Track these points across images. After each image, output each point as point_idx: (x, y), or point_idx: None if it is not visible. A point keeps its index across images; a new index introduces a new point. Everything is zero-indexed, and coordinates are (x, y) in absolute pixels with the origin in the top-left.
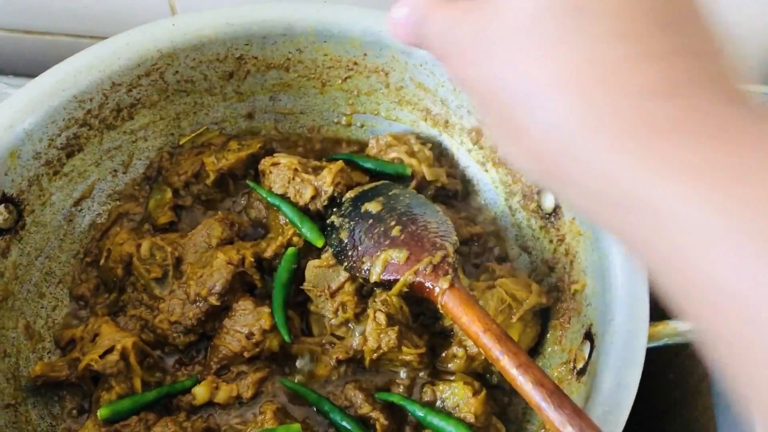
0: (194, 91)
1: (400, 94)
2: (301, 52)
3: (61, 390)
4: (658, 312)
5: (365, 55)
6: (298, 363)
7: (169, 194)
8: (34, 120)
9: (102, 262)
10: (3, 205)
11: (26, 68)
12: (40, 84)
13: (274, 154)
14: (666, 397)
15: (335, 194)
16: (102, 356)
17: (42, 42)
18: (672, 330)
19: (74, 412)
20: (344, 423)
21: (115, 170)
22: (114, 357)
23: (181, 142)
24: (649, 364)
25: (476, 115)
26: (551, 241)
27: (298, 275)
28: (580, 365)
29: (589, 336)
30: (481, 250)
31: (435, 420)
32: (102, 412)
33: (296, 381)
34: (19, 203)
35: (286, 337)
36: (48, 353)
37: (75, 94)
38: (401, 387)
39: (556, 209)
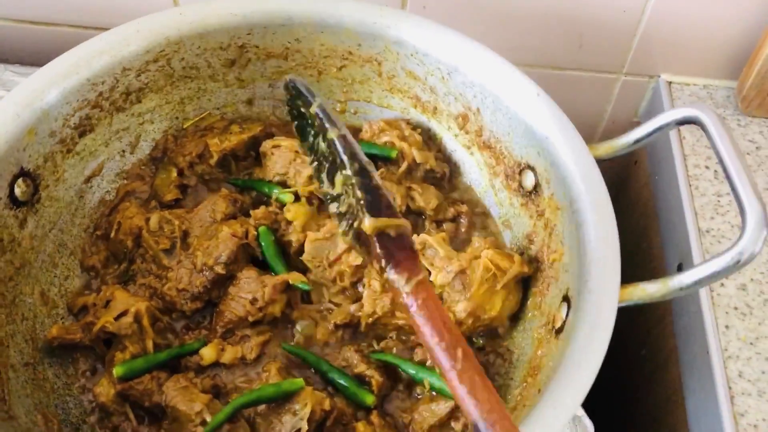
0: (198, 77)
1: (392, 82)
2: (300, 41)
3: (75, 352)
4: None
5: (359, 45)
6: (298, 327)
7: (174, 173)
8: (50, 100)
9: (113, 234)
10: (21, 178)
11: (32, 58)
12: (56, 66)
13: (275, 138)
14: (640, 374)
15: None
16: (116, 318)
17: (48, 33)
18: (642, 291)
19: (87, 372)
20: (342, 381)
21: (123, 150)
22: (128, 319)
23: (185, 126)
24: (624, 343)
25: (462, 101)
26: (531, 217)
27: (286, 248)
28: (558, 325)
29: (566, 299)
30: (466, 227)
31: (426, 376)
32: (117, 370)
33: (295, 343)
34: (35, 178)
35: (306, 286)
36: (62, 319)
37: (88, 77)
38: (394, 349)
39: (536, 187)
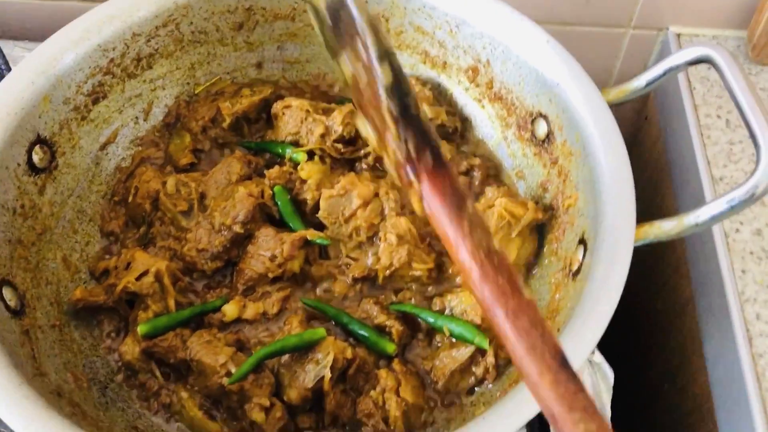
0: (207, 41)
1: (400, 38)
2: (306, 1)
3: (99, 314)
4: (645, 214)
5: (366, 1)
6: (318, 282)
7: (188, 139)
8: (63, 66)
9: (130, 199)
10: (38, 145)
11: (41, 34)
12: (68, 32)
13: (285, 98)
14: (655, 325)
15: (344, 134)
16: (138, 279)
17: (56, 7)
18: (657, 229)
19: (112, 334)
20: (362, 332)
21: (137, 117)
22: (149, 279)
23: (196, 91)
24: (639, 295)
25: (472, 54)
26: (545, 165)
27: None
28: (575, 267)
29: (582, 242)
30: (480, 180)
31: (445, 323)
32: (142, 328)
33: (316, 298)
34: (52, 145)
35: (324, 241)
36: (84, 283)
37: (99, 42)
38: (413, 300)
39: (549, 135)
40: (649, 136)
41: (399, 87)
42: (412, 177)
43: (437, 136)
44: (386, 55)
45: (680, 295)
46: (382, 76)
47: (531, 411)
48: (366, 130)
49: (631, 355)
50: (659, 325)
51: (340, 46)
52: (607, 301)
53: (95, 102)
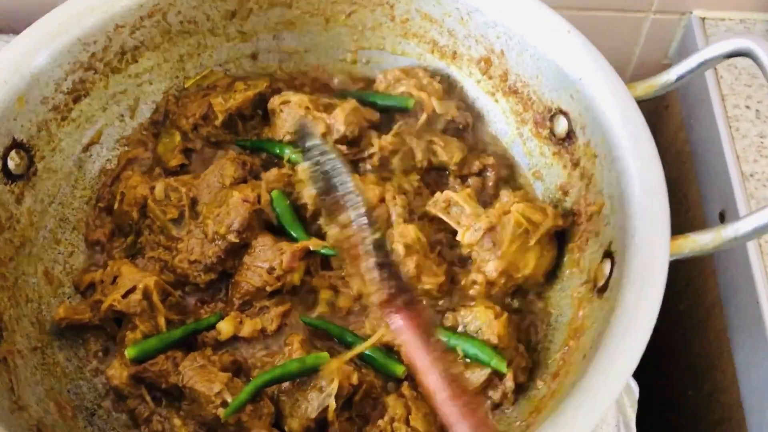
0: (197, 31)
1: (406, 26)
2: None
3: (85, 333)
4: (678, 226)
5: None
6: (320, 297)
7: (177, 137)
8: (39, 63)
9: (116, 206)
10: (14, 150)
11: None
12: (43, 26)
13: (283, 93)
14: (678, 328)
15: (347, 133)
16: (124, 296)
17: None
18: (693, 243)
19: (99, 354)
20: (368, 352)
21: (122, 115)
22: (137, 296)
23: (186, 85)
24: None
25: (484, 44)
26: (565, 166)
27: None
28: (600, 283)
29: (609, 254)
30: (494, 181)
31: (458, 343)
32: (130, 352)
33: (318, 314)
34: (29, 149)
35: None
36: (68, 298)
37: (79, 36)
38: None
39: (570, 134)
40: (670, 127)
41: (381, 242)
42: (391, 311)
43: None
44: (374, 221)
45: (706, 297)
46: (371, 237)
47: None
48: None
49: (652, 356)
50: (682, 327)
51: (336, 212)
52: (640, 329)
53: (76, 100)
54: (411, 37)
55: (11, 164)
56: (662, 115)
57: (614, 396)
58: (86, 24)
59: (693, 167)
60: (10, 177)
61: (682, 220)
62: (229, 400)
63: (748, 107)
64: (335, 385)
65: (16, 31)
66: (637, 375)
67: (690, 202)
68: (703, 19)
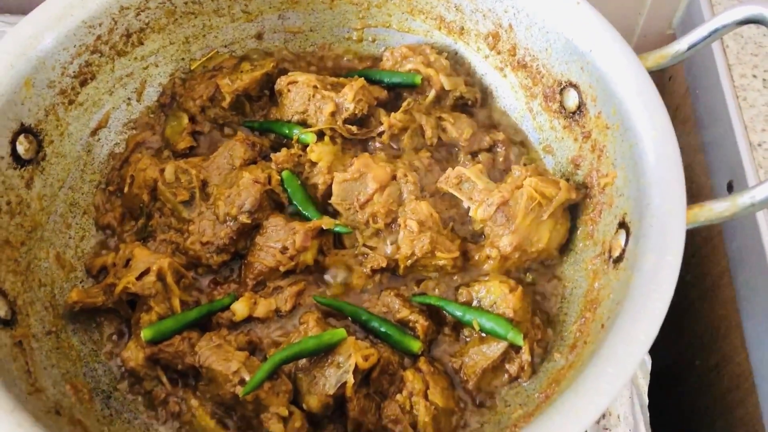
0: (202, 12)
1: (412, 3)
2: None
3: (98, 316)
4: (693, 195)
5: None
6: (334, 275)
7: (185, 120)
8: (45, 46)
9: (126, 189)
10: (23, 135)
11: (20, 7)
12: (48, 8)
13: (290, 73)
14: (683, 300)
15: (356, 112)
16: (138, 278)
17: None
18: (709, 211)
19: (114, 337)
20: (384, 329)
21: (129, 98)
22: (151, 278)
23: (192, 67)
24: None
25: (492, 18)
26: (576, 140)
27: (312, 192)
28: (616, 254)
29: (623, 225)
30: (504, 156)
31: (474, 317)
32: (146, 334)
33: (332, 293)
34: (37, 134)
35: (344, 229)
36: (81, 282)
37: (84, 18)
38: (437, 291)
39: (580, 106)
40: (674, 98)
41: None
42: None
43: None
44: None
45: (714, 267)
46: None
47: (582, 425)
48: None
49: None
50: (689, 298)
51: None
52: (659, 297)
53: (83, 84)
54: (417, 14)
55: (20, 149)
56: (666, 86)
57: (636, 363)
58: (91, 6)
59: (699, 138)
60: (20, 162)
61: (689, 192)
62: (247, 378)
63: (755, 76)
64: (353, 361)
65: (14, 12)
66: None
67: (695, 172)
68: None
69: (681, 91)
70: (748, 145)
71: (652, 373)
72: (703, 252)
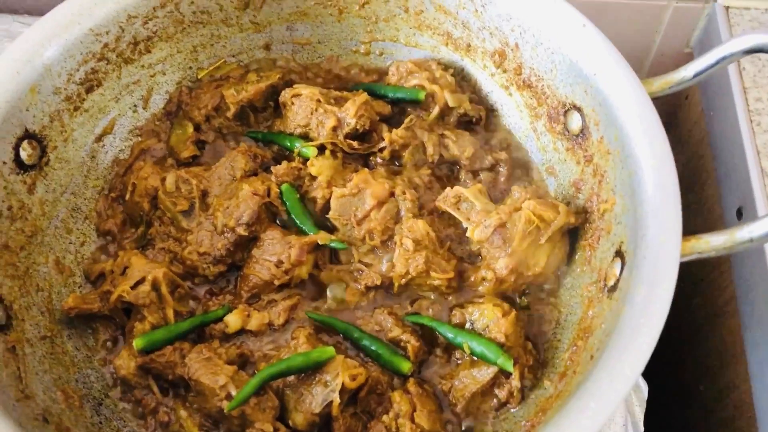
0: (210, 22)
1: (420, 18)
2: None
3: (94, 323)
4: (694, 222)
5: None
6: (328, 291)
7: (190, 129)
8: (51, 54)
9: (127, 196)
10: (26, 141)
11: (38, 8)
12: (55, 17)
13: (294, 86)
14: (690, 323)
15: (357, 127)
16: (133, 287)
17: None
18: (705, 244)
19: (108, 343)
20: (374, 348)
21: (135, 105)
22: (146, 288)
23: (199, 76)
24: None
25: (499, 36)
26: (578, 163)
27: (311, 206)
28: (611, 283)
29: (619, 254)
30: (506, 176)
31: (465, 340)
32: (138, 343)
33: (326, 308)
34: (41, 139)
35: (340, 245)
36: (79, 287)
37: (91, 27)
38: (430, 311)
39: (584, 130)
40: (689, 119)
41: None
42: None
43: None
44: None
45: (721, 293)
46: None
47: None
48: None
49: (664, 351)
50: (695, 323)
51: None
52: (648, 332)
53: (89, 90)
54: (425, 29)
55: (23, 155)
56: (682, 106)
57: (620, 399)
58: (98, 14)
59: (711, 161)
60: (23, 167)
61: (698, 216)
62: (234, 393)
63: None
64: (340, 380)
65: (32, 13)
66: (647, 370)
67: (707, 196)
68: (727, 8)
69: (696, 111)
70: (759, 171)
71: (656, 397)
72: (712, 276)
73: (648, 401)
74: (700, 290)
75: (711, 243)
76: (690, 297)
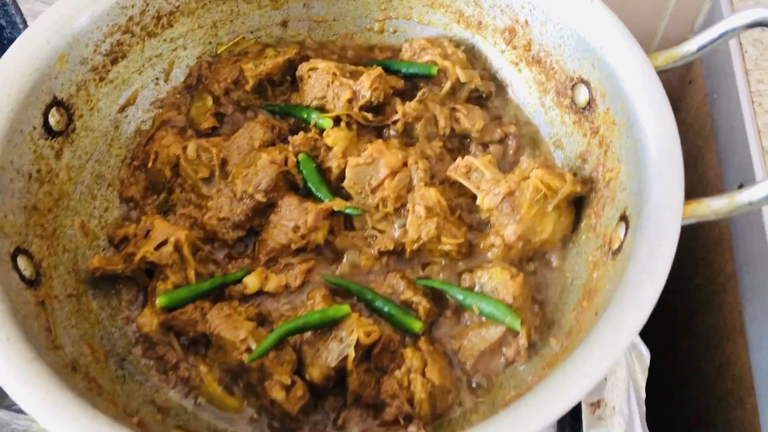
0: None
1: None
2: None
3: (117, 284)
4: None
5: None
6: (345, 257)
7: (209, 101)
8: (80, 24)
9: (150, 164)
10: (55, 108)
11: None
12: None
13: (311, 60)
14: (693, 301)
15: (372, 99)
16: (157, 248)
17: None
18: (706, 207)
19: (131, 304)
20: (387, 308)
21: (157, 78)
22: (168, 249)
23: (218, 51)
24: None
25: (509, 13)
26: (585, 135)
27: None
28: (615, 246)
29: (624, 218)
30: (515, 149)
31: (475, 301)
32: (161, 300)
33: (340, 272)
34: (69, 107)
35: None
36: (103, 251)
37: (117, 0)
38: (441, 276)
39: (590, 102)
40: (694, 101)
41: None
42: None
43: None
44: None
45: (722, 270)
46: None
47: (565, 404)
48: None
49: (666, 328)
50: (698, 300)
51: None
52: (651, 285)
53: (114, 62)
54: (438, 7)
55: (52, 121)
56: (687, 89)
57: (623, 347)
58: None
59: (714, 142)
60: (51, 133)
61: (702, 195)
62: (254, 346)
63: None
64: (355, 336)
65: None
66: (652, 345)
67: (710, 175)
68: None
69: (700, 95)
70: (760, 149)
71: (658, 374)
72: (714, 254)
73: (650, 379)
74: (703, 269)
75: (712, 206)
76: (692, 276)
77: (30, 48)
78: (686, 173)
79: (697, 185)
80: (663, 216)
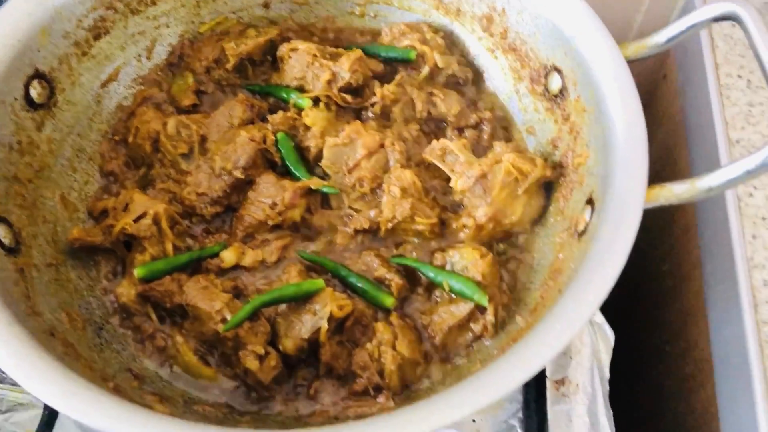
0: None
1: None
2: None
3: (96, 255)
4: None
5: None
6: (321, 236)
7: (191, 79)
8: None
9: (130, 139)
10: (36, 80)
11: None
12: None
13: (291, 41)
14: (660, 288)
15: (351, 81)
16: (135, 221)
17: None
18: (668, 192)
19: (109, 275)
20: (361, 284)
21: (140, 55)
22: (147, 221)
23: (201, 30)
24: (646, 257)
25: (487, 2)
26: (556, 122)
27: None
28: (581, 227)
29: (590, 201)
30: (489, 134)
31: (445, 278)
32: (139, 271)
33: (316, 249)
34: (50, 80)
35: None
36: (82, 223)
37: None
38: (414, 254)
39: (563, 90)
40: (667, 95)
41: None
42: None
43: None
44: None
45: (688, 258)
46: None
47: (527, 373)
48: None
49: (634, 314)
50: (664, 287)
51: None
52: (611, 264)
53: (96, 37)
54: None
55: (33, 93)
56: (660, 83)
57: (584, 321)
58: None
59: (685, 135)
60: (32, 105)
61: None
62: (229, 317)
63: (740, 77)
64: (328, 309)
65: None
66: (621, 330)
67: (680, 166)
68: None
69: (673, 89)
70: (727, 140)
71: (625, 357)
72: (680, 243)
73: (617, 362)
74: (671, 257)
75: (674, 191)
76: (660, 263)
77: (11, 19)
78: (659, 164)
79: (669, 173)
80: (626, 199)
